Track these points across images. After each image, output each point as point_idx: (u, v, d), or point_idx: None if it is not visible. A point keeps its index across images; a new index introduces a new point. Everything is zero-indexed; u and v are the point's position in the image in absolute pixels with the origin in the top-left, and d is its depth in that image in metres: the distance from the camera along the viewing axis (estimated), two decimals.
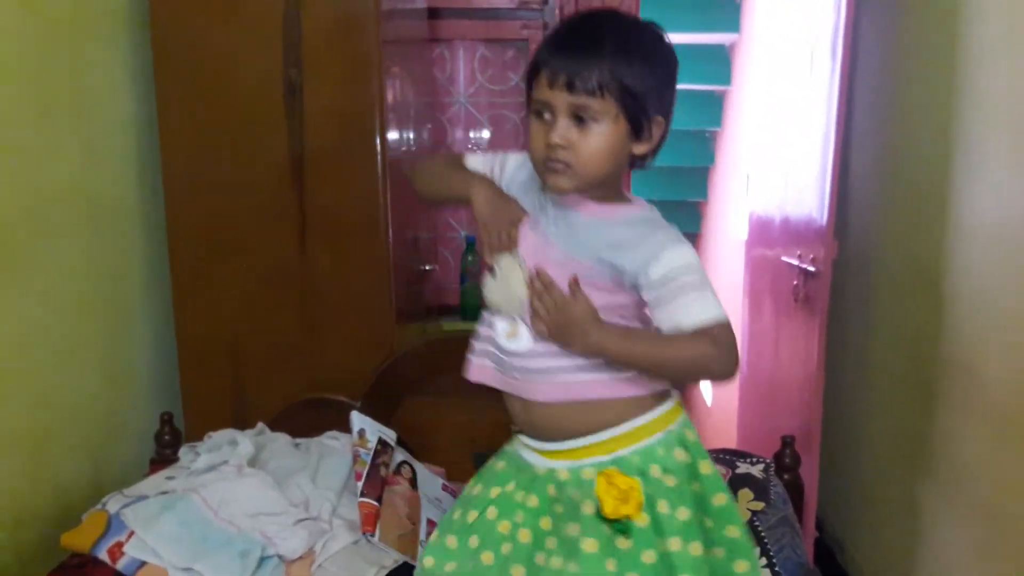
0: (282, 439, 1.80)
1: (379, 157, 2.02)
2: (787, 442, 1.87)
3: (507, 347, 1.25)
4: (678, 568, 1.15)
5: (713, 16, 4.15)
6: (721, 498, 1.24)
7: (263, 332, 2.07)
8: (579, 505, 1.18)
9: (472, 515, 1.29)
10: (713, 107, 4.47)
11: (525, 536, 1.23)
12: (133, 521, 1.47)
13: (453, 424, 1.94)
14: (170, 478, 1.63)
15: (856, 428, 2.49)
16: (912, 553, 2.06)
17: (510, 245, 1.25)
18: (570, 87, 1.14)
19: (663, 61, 1.21)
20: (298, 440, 1.82)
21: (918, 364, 2.05)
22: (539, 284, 1.20)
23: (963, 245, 1.84)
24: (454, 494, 1.79)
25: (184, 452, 1.75)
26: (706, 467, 1.24)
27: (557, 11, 2.75)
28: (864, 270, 2.44)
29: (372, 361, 2.02)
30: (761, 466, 1.84)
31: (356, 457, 1.64)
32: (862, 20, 2.38)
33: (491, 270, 1.25)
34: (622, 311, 1.21)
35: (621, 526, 1.15)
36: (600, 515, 1.15)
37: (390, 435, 1.76)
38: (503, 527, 1.26)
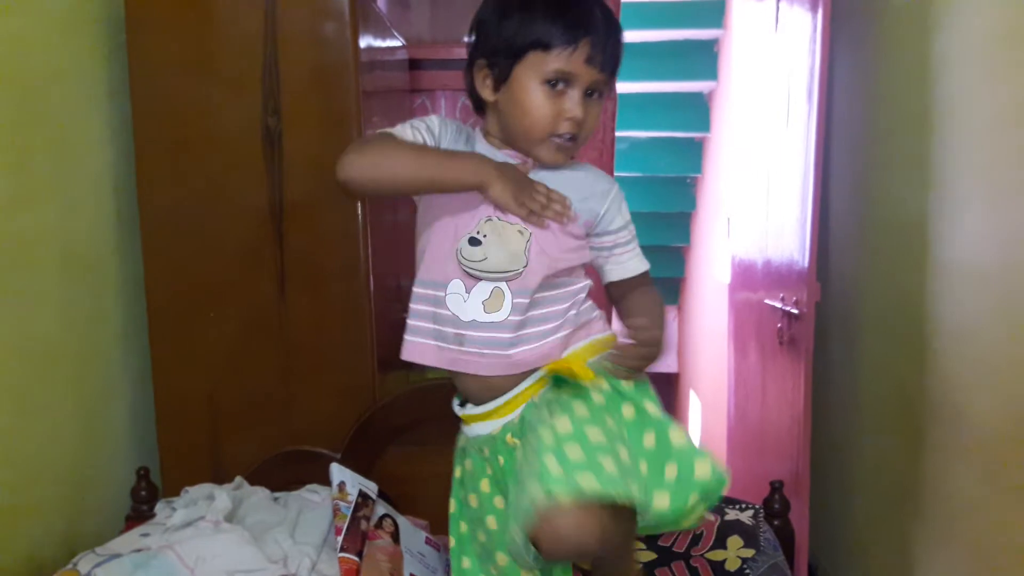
0: (260, 493, 1.76)
1: (359, 205, 2.01)
2: (776, 487, 1.85)
3: (480, 320, 1.22)
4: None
5: (691, 64, 4.22)
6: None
7: (242, 383, 2.04)
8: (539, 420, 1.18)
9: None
10: (693, 153, 4.53)
11: (485, 486, 1.29)
12: None
13: (437, 475, 1.89)
14: (145, 535, 1.59)
15: (846, 471, 2.47)
16: None
17: (558, 205, 1.22)
18: (603, 65, 1.19)
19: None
20: (277, 494, 1.77)
21: (905, 406, 2.03)
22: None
23: (945, 285, 1.85)
24: (438, 548, 1.75)
25: (160, 508, 1.70)
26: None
27: None
28: (848, 312, 2.44)
29: (353, 411, 1.99)
30: (750, 512, 1.81)
31: (336, 511, 1.60)
32: (837, 64, 2.42)
33: (472, 240, 1.21)
34: (580, 255, 1.27)
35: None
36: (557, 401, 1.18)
37: (371, 487, 1.72)
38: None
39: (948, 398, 1.83)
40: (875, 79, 2.27)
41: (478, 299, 1.22)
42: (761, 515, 1.80)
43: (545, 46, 1.18)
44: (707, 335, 3.76)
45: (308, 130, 1.99)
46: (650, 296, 1.32)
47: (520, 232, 1.21)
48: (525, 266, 1.21)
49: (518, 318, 1.21)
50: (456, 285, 1.23)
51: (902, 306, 2.06)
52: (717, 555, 1.69)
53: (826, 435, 2.51)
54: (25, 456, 1.68)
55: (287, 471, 1.88)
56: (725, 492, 1.25)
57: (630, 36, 3.51)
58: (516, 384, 1.25)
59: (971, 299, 1.74)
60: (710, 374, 3.90)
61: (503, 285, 1.21)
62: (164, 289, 2.02)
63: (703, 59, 4.19)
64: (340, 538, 1.54)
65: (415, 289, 1.29)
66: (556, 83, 1.19)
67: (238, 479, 1.80)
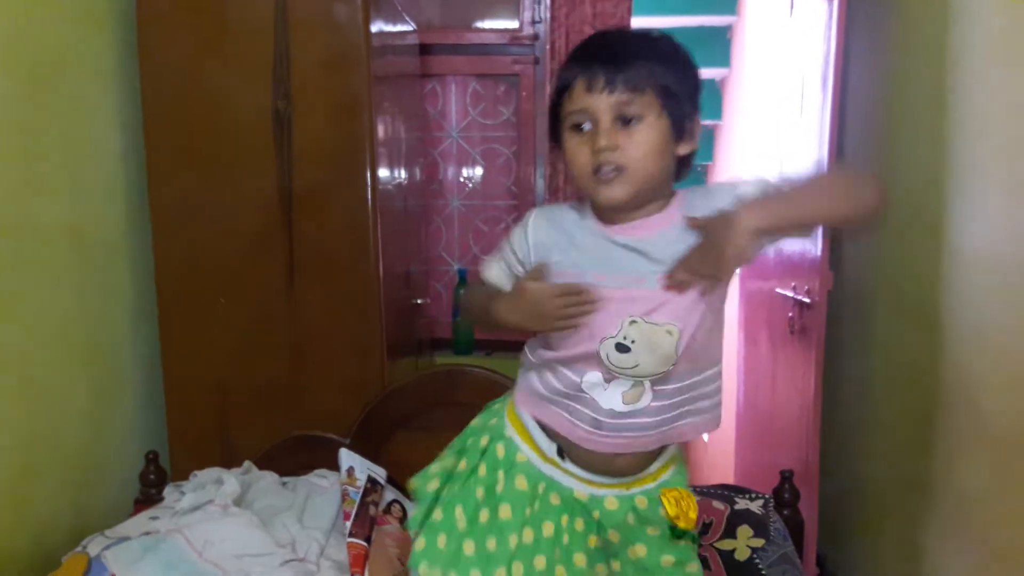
0: (269, 477, 1.76)
1: (369, 192, 2.00)
2: (786, 477, 1.84)
3: (618, 409, 1.19)
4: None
5: (704, 51, 4.18)
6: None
7: (251, 369, 2.04)
8: (637, 529, 1.25)
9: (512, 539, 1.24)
10: (705, 141, 4.50)
11: (580, 560, 1.24)
12: (114, 563, 1.43)
13: None
14: (154, 518, 1.59)
15: (856, 461, 2.45)
16: None
17: (588, 304, 1.16)
18: (611, 87, 1.11)
19: (689, 62, 1.19)
20: (285, 479, 1.78)
21: (917, 396, 2.02)
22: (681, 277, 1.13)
23: (960, 274, 1.83)
24: None
25: (169, 491, 1.71)
26: None
27: (548, 46, 2.76)
28: (860, 301, 2.42)
29: (362, 397, 1.99)
30: (760, 502, 1.81)
31: (345, 496, 1.61)
32: (853, 50, 2.39)
33: (620, 347, 1.16)
34: (718, 324, 1.21)
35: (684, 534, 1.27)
36: (669, 532, 1.25)
37: (380, 473, 1.72)
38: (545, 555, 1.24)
39: (960, 389, 1.81)
40: (891, 65, 2.25)
41: (618, 391, 1.19)
42: (771, 504, 1.79)
43: (559, 92, 1.16)
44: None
45: (319, 115, 1.98)
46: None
47: (669, 332, 1.15)
48: (674, 364, 1.17)
49: (658, 404, 1.19)
50: (594, 376, 1.20)
51: (916, 295, 2.04)
52: (727, 544, 1.68)
53: (836, 425, 2.49)
54: (35, 439, 1.69)
55: (296, 456, 1.88)
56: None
57: (643, 23, 3.49)
58: (642, 466, 1.25)
59: (986, 289, 1.72)
60: None
61: (645, 381, 1.19)
62: (174, 275, 2.02)
63: (716, 46, 4.16)
64: (349, 523, 1.54)
65: (543, 353, 1.25)
66: (581, 126, 1.15)
67: (247, 464, 1.80)
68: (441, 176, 3.05)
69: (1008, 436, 1.61)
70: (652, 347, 1.15)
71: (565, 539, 1.24)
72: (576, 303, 1.16)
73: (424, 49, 2.85)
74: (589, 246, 1.19)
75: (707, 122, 4.38)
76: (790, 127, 2.63)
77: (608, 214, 1.19)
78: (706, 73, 4.30)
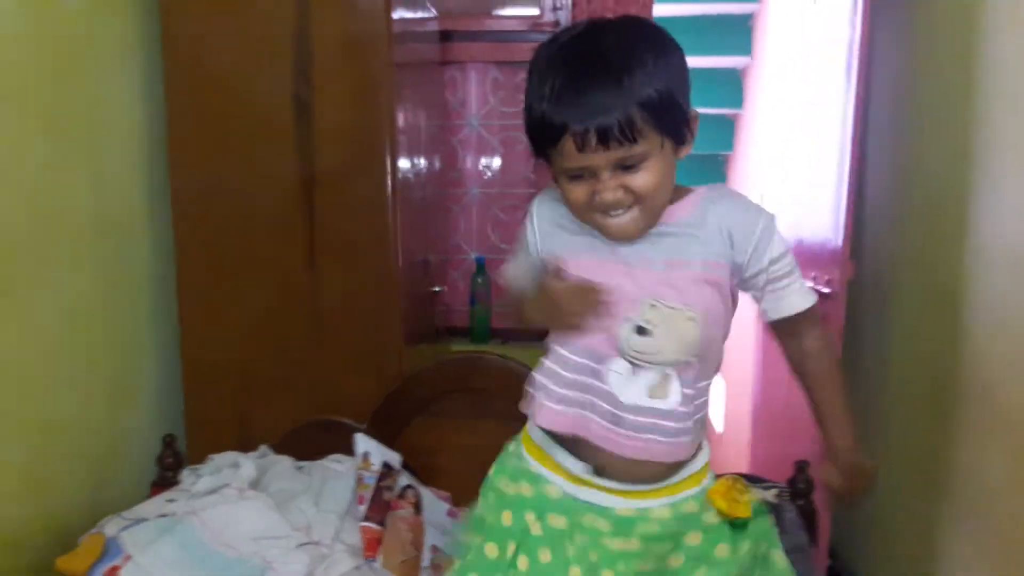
0: (285, 462, 1.77)
1: (389, 178, 2.00)
2: (801, 467, 1.83)
3: (643, 405, 1.13)
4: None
5: (725, 40, 4.15)
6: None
7: (270, 353, 2.05)
8: (684, 534, 1.19)
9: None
10: (725, 131, 4.47)
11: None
12: (131, 545, 1.45)
13: (460, 447, 1.90)
14: (171, 500, 1.61)
15: (871, 452, 2.44)
16: None
17: (601, 305, 1.12)
18: (604, 143, 1.03)
19: (672, 51, 1.10)
20: (301, 463, 1.79)
21: (936, 388, 2.00)
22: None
23: (982, 266, 1.80)
24: (460, 520, 1.76)
25: (186, 475, 1.72)
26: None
27: None
28: (881, 292, 2.40)
29: (380, 383, 1.99)
30: (774, 491, 1.79)
31: (360, 480, 1.61)
32: (877, 37, 2.36)
33: (640, 329, 1.11)
34: (726, 299, 1.16)
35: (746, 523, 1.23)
36: (729, 529, 1.21)
37: (395, 458, 1.73)
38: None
39: (981, 382, 1.79)
40: (916, 52, 2.22)
41: (643, 383, 1.13)
42: (786, 494, 1.78)
43: (542, 138, 1.08)
44: (736, 315, 3.71)
45: (339, 100, 1.99)
46: (824, 362, 1.24)
47: (691, 318, 1.10)
48: (697, 356, 1.12)
49: (685, 409, 1.14)
50: (619, 364, 1.14)
51: (937, 287, 2.02)
52: None
53: (855, 415, 2.48)
54: (53, 421, 1.71)
55: (312, 441, 1.89)
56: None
57: (664, 11, 3.46)
58: (666, 475, 1.19)
59: (1009, 281, 1.70)
60: (735, 355, 3.87)
61: (672, 371, 1.13)
62: (194, 257, 2.03)
63: (738, 34, 4.12)
64: (363, 507, 1.55)
65: (559, 350, 1.19)
66: (578, 176, 1.08)
67: (263, 448, 1.81)
68: (460, 164, 3.05)
69: None
70: (673, 333, 1.10)
71: (621, 567, 1.16)
72: (588, 302, 1.12)
73: (444, 36, 2.84)
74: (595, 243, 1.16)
75: (728, 111, 4.35)
76: (813, 115, 2.61)
77: None
78: (728, 62, 4.27)
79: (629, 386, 1.13)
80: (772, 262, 1.14)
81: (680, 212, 1.14)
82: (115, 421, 1.92)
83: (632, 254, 1.13)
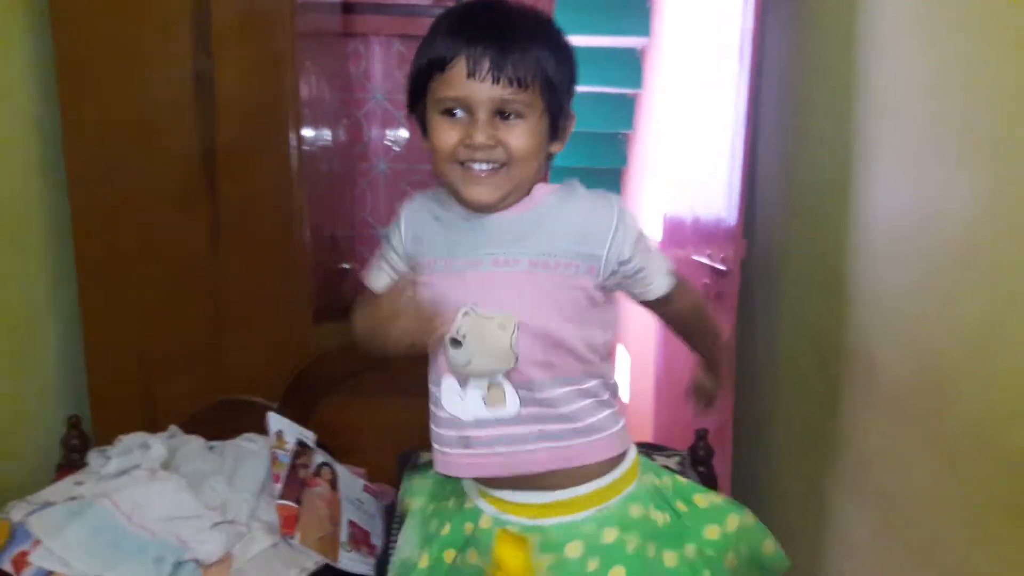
0: (195, 442, 1.75)
1: (293, 152, 1.98)
2: (701, 435, 1.93)
3: (485, 417, 1.08)
4: None
5: (624, 20, 4.23)
6: (701, 499, 1.32)
7: (174, 333, 2.01)
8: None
9: None
10: (625, 109, 4.56)
11: None
12: (39, 529, 1.41)
13: (374, 424, 1.92)
14: (79, 483, 1.57)
15: (766, 421, 2.57)
16: (819, 538, 2.14)
17: (435, 324, 1.07)
18: (496, 76, 1.01)
19: (571, 53, 1.11)
20: (212, 443, 1.77)
21: (822, 359, 2.13)
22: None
23: (863, 244, 1.92)
24: (376, 495, 1.78)
25: (93, 456, 1.68)
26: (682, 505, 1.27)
27: None
28: (772, 268, 2.52)
29: (289, 362, 1.98)
30: (676, 459, 1.89)
31: (274, 459, 1.62)
32: (769, 23, 2.46)
33: (453, 341, 1.06)
34: (589, 296, 1.11)
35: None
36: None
37: (309, 436, 1.73)
38: None
39: (862, 351, 1.92)
40: (805, 37, 2.32)
41: (477, 394, 1.08)
42: (687, 461, 1.88)
43: (431, 64, 1.04)
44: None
45: (241, 74, 1.94)
46: (693, 316, 1.29)
47: (501, 326, 1.05)
48: (517, 360, 1.06)
49: (530, 411, 1.08)
50: (448, 381, 1.10)
51: (823, 263, 2.14)
52: None
53: (748, 386, 2.61)
54: None
55: (222, 421, 1.87)
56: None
57: None
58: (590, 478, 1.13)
59: (888, 258, 1.82)
60: (638, 329, 3.99)
61: (499, 377, 1.08)
62: (93, 238, 1.97)
63: (636, 14, 4.20)
64: (279, 485, 1.55)
65: (430, 387, 1.15)
66: (454, 112, 1.05)
67: (172, 428, 1.79)
68: (366, 138, 3.02)
69: (903, 394, 1.73)
70: (482, 343, 1.05)
71: None
72: (420, 319, 1.06)
73: (347, 8, 2.80)
74: (448, 227, 1.13)
75: (627, 91, 4.45)
76: (707, 96, 2.70)
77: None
78: (626, 42, 4.36)
79: (464, 403, 1.09)
80: (632, 253, 1.12)
81: (534, 205, 1.12)
82: (14, 402, 1.85)
83: (462, 254, 1.11)
